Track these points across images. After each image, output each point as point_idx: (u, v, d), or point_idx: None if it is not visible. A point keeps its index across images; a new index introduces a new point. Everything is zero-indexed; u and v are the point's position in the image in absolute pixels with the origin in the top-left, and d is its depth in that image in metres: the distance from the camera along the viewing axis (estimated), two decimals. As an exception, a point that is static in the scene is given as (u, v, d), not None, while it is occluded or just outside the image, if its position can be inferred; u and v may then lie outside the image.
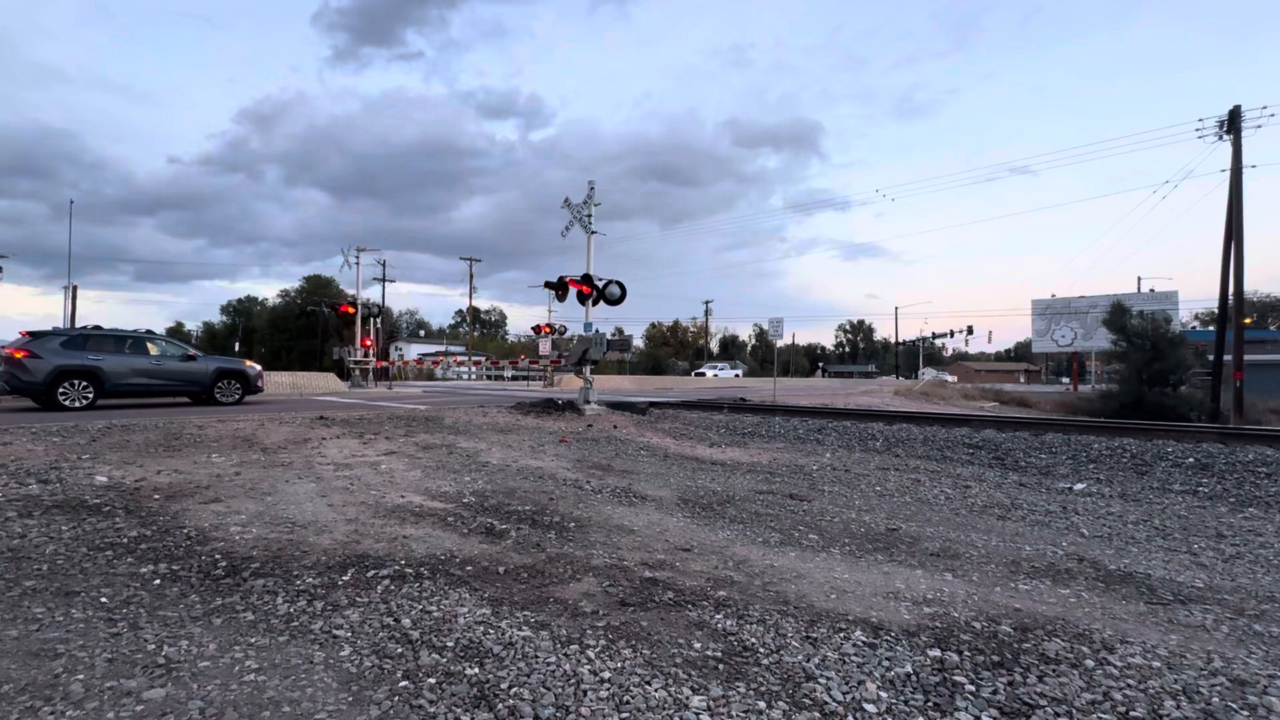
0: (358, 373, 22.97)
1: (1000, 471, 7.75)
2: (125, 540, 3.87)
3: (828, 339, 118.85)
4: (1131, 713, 2.18)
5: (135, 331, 12.52)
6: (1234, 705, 2.24)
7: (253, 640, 2.58)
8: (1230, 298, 19.35)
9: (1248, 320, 24.39)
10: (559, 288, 13.47)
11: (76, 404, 10.81)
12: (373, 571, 3.43)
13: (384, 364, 25.70)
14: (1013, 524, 5.24)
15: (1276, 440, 7.99)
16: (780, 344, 21.97)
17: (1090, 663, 2.55)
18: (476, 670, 2.37)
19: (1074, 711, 2.18)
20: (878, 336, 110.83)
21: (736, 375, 45.68)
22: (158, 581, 3.22)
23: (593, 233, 13.52)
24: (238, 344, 31.77)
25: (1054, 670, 2.48)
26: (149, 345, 12.20)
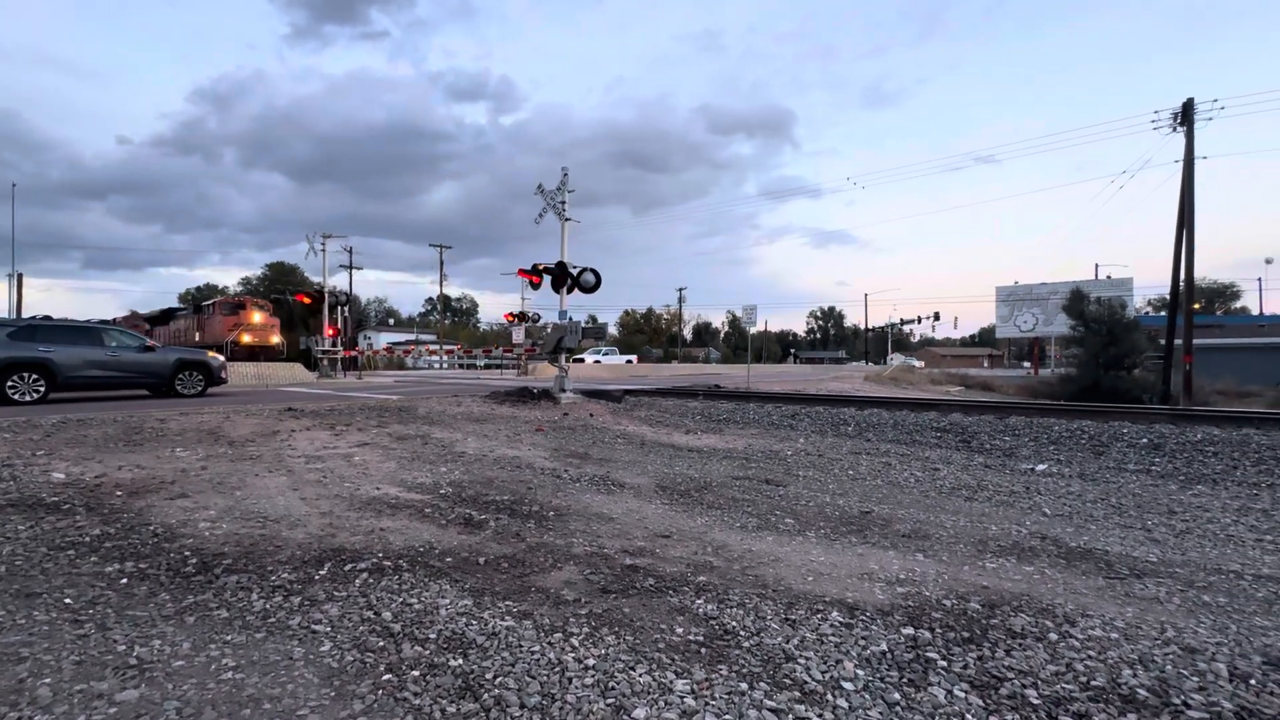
0: (326, 363, 22.45)
1: (967, 454, 8.00)
2: (88, 539, 3.74)
3: (799, 325, 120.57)
4: (1093, 682, 2.29)
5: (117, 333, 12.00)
6: (1185, 672, 2.37)
7: (229, 638, 2.53)
8: (1181, 284, 20.16)
9: (1196, 306, 25.47)
10: (533, 275, 13.34)
11: (27, 398, 10.34)
12: (350, 565, 3.39)
13: (353, 353, 25.15)
14: (979, 504, 5.42)
15: (1222, 421, 8.40)
16: (753, 331, 22.17)
17: (1054, 636, 2.66)
18: (460, 661, 2.37)
19: (1039, 683, 2.28)
20: (848, 323, 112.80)
21: (629, 361, 38.50)
22: (125, 581, 3.13)
23: (567, 219, 13.39)
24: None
25: (1020, 644, 2.59)
26: (104, 336, 11.74)
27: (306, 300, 22.79)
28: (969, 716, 2.07)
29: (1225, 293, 63.60)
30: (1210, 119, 19.83)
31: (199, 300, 30.42)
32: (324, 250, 23.59)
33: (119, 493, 4.84)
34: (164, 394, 12.13)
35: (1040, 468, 7.13)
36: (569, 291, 13.25)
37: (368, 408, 10.11)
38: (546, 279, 13.22)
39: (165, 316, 32.83)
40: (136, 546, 3.64)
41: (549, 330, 13.66)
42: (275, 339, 26.59)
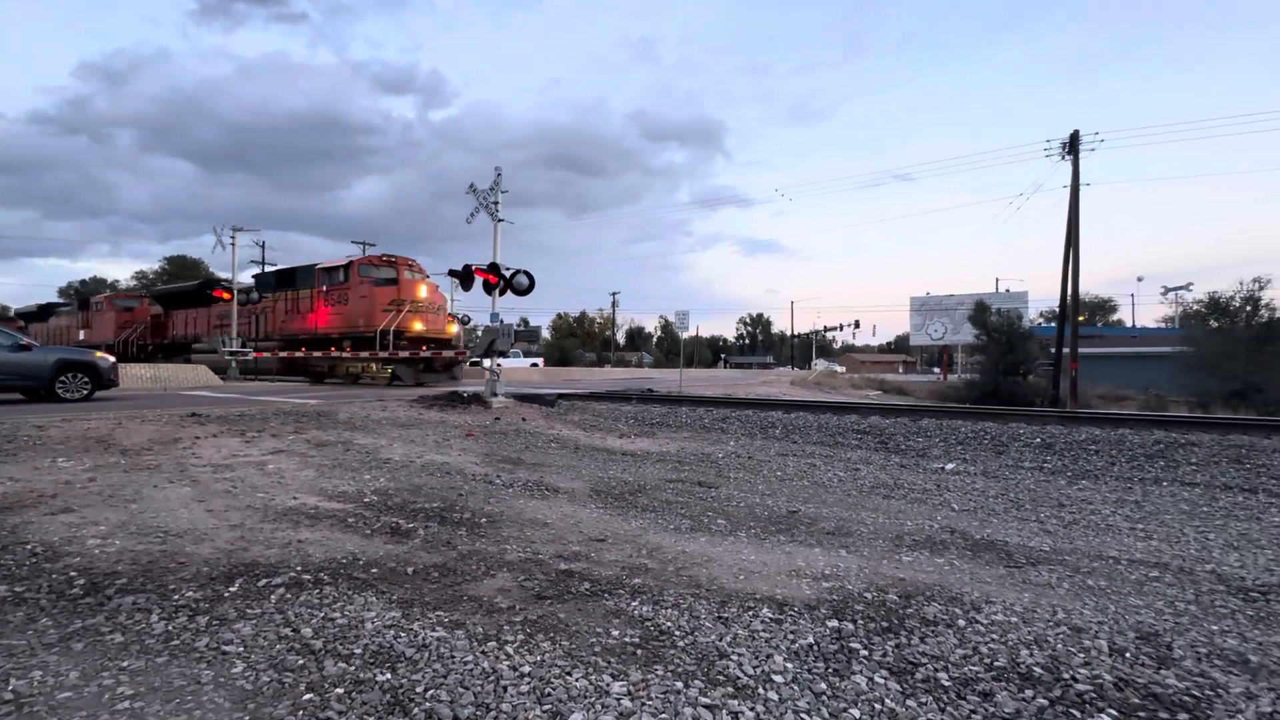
0: (234, 364, 20.95)
1: (885, 454, 8.46)
2: (-51, 561, 3.32)
3: (729, 331, 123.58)
4: (996, 663, 2.49)
5: None
6: (1073, 649, 2.62)
7: (125, 664, 2.32)
8: (1069, 298, 22.20)
9: (1081, 318, 28.10)
10: (464, 277, 13.00)
11: None
12: (265, 580, 3.18)
13: (264, 354, 23.57)
14: (896, 502, 5.75)
15: (1103, 422, 9.32)
16: (685, 336, 22.53)
17: (962, 622, 2.87)
18: (389, 676, 2.28)
19: (950, 666, 2.45)
20: (775, 329, 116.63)
21: (534, 365, 35.45)
22: (-4, 606, 2.80)
23: (500, 220, 13.16)
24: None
25: (933, 631, 2.77)
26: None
27: (226, 295, 21.18)
28: (888, 701, 2.20)
29: (1104, 306, 70.54)
30: (1093, 150, 22.00)
31: (298, 268, 18.19)
32: (234, 244, 22.08)
33: (-12, 509, 4.32)
34: (43, 398, 10.94)
35: (949, 466, 7.64)
36: (501, 294, 13.01)
37: (283, 412, 9.51)
38: (479, 281, 12.92)
39: (201, 295, 22.81)
40: (10, 568, 3.26)
41: (481, 333, 13.34)
42: (454, 328, 17.80)
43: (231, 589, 3.06)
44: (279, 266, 20.76)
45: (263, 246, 36.02)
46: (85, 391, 11.39)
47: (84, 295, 32.64)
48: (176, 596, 2.95)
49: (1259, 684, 2.36)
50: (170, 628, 2.63)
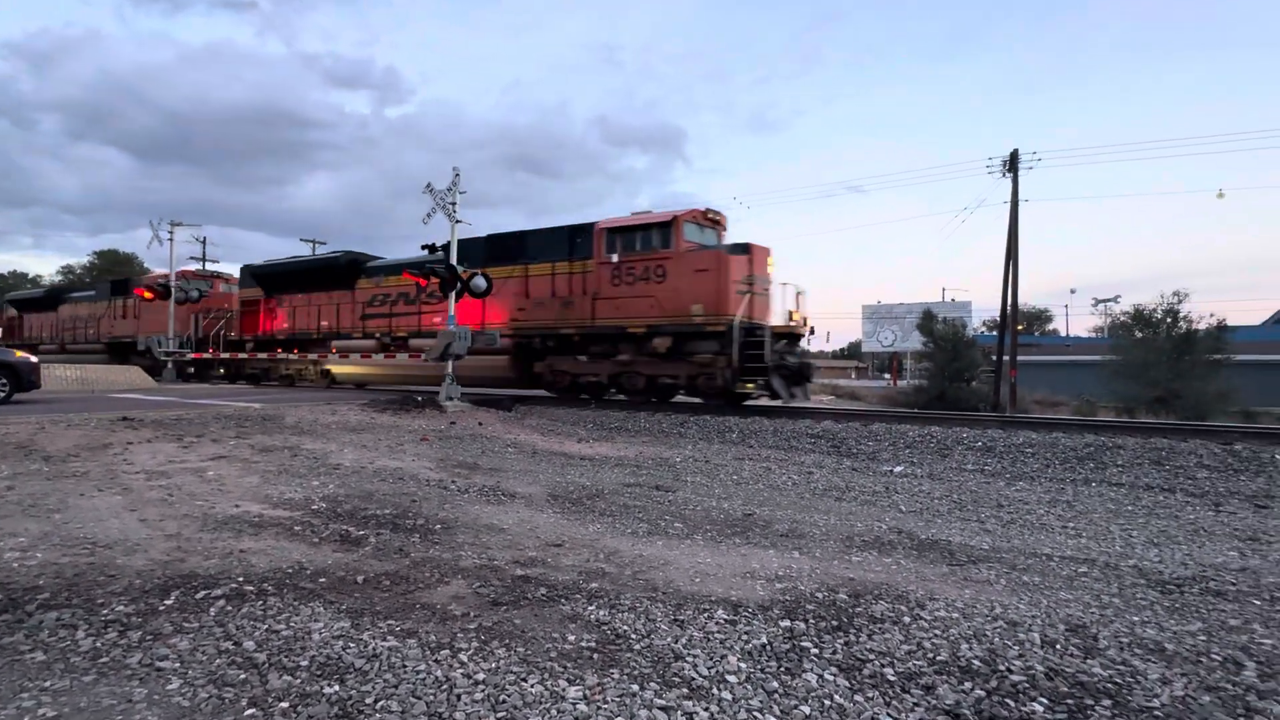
0: (170, 365, 19.92)
1: (837, 458, 8.69)
2: None
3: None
4: (938, 657, 2.60)
5: None
6: (1009, 642, 2.76)
7: (47, 684, 2.18)
8: (1009, 309, 23.31)
9: (1020, 328, 29.53)
10: (420, 278, 12.73)
11: None
12: (203, 592, 3.04)
13: (205, 355, 22.45)
14: (847, 504, 5.92)
15: (1038, 426, 9.82)
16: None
17: (908, 619, 2.98)
18: (337, 688, 2.22)
19: (895, 661, 2.55)
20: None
21: None
22: (-101, 626, 2.59)
23: (457, 221, 12.94)
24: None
25: (880, 628, 2.87)
26: None
27: (149, 295, 20.10)
28: (837, 697, 2.27)
29: (1041, 316, 74.21)
30: (1031, 168, 23.16)
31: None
32: (171, 239, 21.00)
33: (-111, 520, 3.99)
34: (-47, 401, 10.15)
35: (898, 469, 7.91)
36: (459, 296, 12.79)
37: (224, 416, 9.09)
38: (434, 282, 12.66)
39: (338, 272, 16.79)
40: (-85, 584, 3.02)
41: (438, 336, 13.07)
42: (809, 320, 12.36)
43: (167, 602, 2.92)
44: (505, 230, 14.39)
45: (203, 242, 34.24)
46: (3, 394, 10.63)
47: (118, 278, 25.61)
48: (106, 611, 2.79)
49: (1173, 670, 2.54)
50: (99, 644, 2.49)
